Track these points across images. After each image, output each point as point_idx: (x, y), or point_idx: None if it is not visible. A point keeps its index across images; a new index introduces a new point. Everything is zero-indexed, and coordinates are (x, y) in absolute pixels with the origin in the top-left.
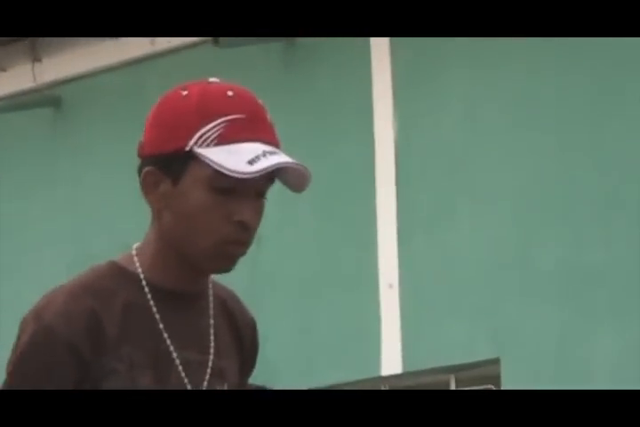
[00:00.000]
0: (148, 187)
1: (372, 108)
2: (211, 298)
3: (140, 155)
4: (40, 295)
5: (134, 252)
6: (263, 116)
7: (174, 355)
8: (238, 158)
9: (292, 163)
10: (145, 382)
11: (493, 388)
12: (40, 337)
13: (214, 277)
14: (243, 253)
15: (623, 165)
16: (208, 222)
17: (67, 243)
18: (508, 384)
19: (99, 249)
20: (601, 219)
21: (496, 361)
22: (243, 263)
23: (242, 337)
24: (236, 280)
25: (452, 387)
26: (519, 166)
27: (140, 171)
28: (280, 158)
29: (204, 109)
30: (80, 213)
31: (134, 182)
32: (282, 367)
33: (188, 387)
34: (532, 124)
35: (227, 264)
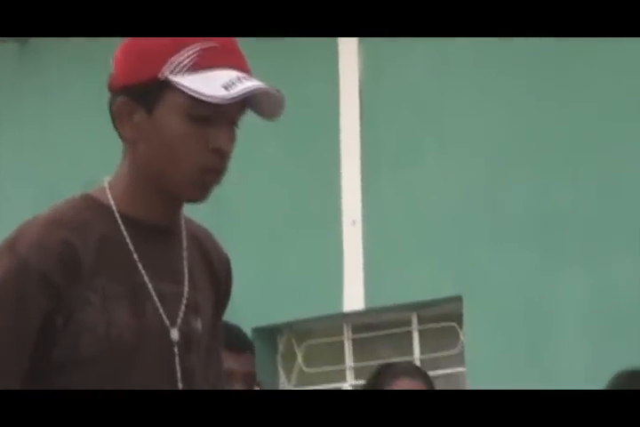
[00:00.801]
0: (122, 118)
1: (337, 47)
2: (184, 232)
3: (112, 87)
4: (6, 231)
5: (107, 185)
6: (236, 46)
7: (149, 286)
8: (214, 84)
9: (268, 87)
10: (120, 313)
11: (455, 326)
12: (14, 268)
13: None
14: (218, 182)
15: (591, 108)
16: (185, 151)
17: (33, 180)
18: (469, 323)
19: (65, 187)
20: (568, 162)
21: (458, 299)
22: (207, 202)
23: (217, 274)
24: (200, 219)
25: (415, 325)
26: (488, 109)
27: (111, 103)
28: (255, 83)
29: (177, 38)
30: (47, 151)
31: (101, 120)
32: (245, 304)
33: (164, 318)
34: (501, 68)
35: (202, 193)
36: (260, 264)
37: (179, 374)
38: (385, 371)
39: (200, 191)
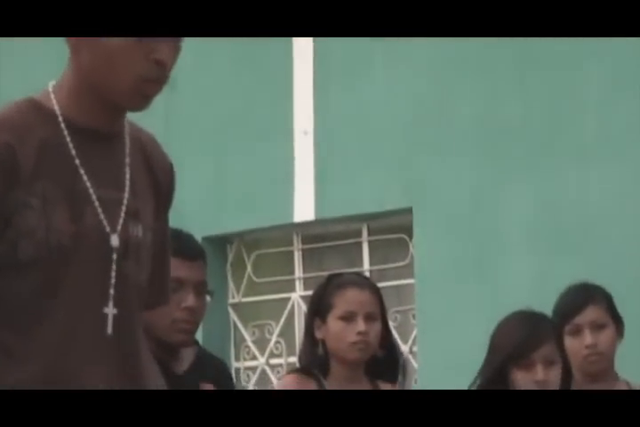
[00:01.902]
0: None
1: None
2: (127, 139)
3: None
4: None
5: (51, 89)
6: None
7: (90, 191)
8: None
9: None
10: (59, 217)
11: (405, 237)
12: None
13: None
14: (158, 92)
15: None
16: (127, 60)
17: None
18: (419, 235)
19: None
20: (516, 74)
21: (408, 211)
22: (157, 109)
23: (158, 180)
24: (150, 127)
25: (364, 236)
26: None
27: None
28: None
29: None
30: None
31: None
32: (195, 213)
33: (104, 225)
34: None
35: (142, 103)
36: (210, 174)
37: (113, 280)
38: (332, 281)
39: (140, 101)
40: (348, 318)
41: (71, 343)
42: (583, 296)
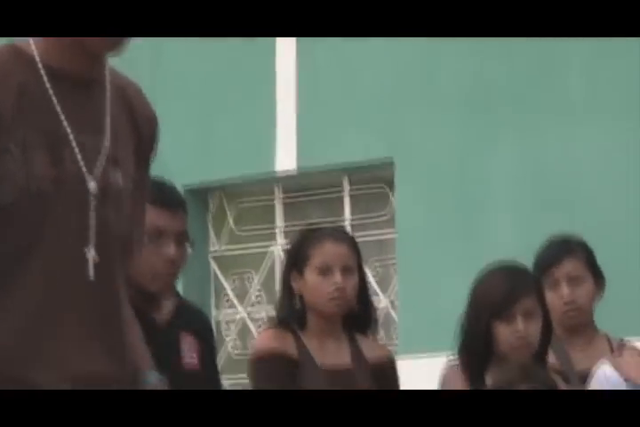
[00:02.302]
0: None
1: None
2: (108, 86)
3: None
4: None
5: None
6: None
7: (71, 137)
8: None
9: None
10: (38, 162)
11: (387, 190)
12: None
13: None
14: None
15: None
16: None
17: None
18: (400, 187)
19: None
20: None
21: (390, 163)
22: (145, 61)
23: (141, 129)
24: (137, 77)
25: (346, 188)
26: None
27: None
28: None
29: None
30: None
31: None
32: (177, 163)
33: (84, 170)
34: None
35: (118, 46)
36: (193, 124)
37: (92, 226)
38: (310, 234)
39: (116, 45)
40: (325, 270)
41: (52, 288)
42: (561, 249)
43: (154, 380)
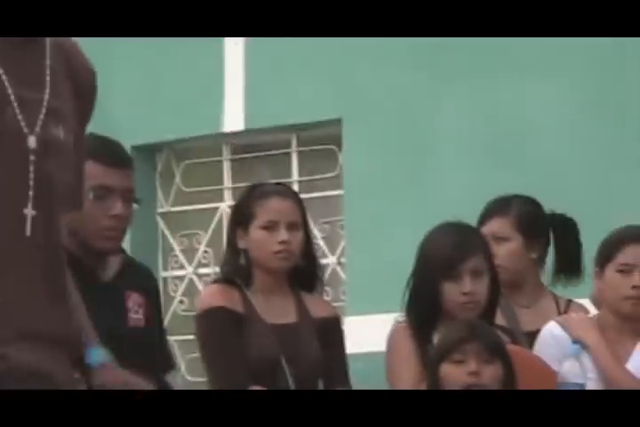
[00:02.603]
0: None
1: None
2: (47, 42)
3: None
4: None
5: None
6: None
7: (9, 91)
8: None
9: None
10: None
11: (335, 148)
12: None
13: None
14: None
15: None
16: None
17: None
18: (349, 146)
19: None
20: None
21: (338, 122)
22: None
23: (81, 85)
24: (82, 39)
25: (294, 146)
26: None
27: None
28: None
29: None
30: None
31: None
32: (124, 121)
33: (22, 125)
34: None
35: None
36: (140, 83)
37: (32, 182)
38: (254, 191)
39: None
40: (270, 227)
41: None
42: (491, 208)
43: (99, 358)
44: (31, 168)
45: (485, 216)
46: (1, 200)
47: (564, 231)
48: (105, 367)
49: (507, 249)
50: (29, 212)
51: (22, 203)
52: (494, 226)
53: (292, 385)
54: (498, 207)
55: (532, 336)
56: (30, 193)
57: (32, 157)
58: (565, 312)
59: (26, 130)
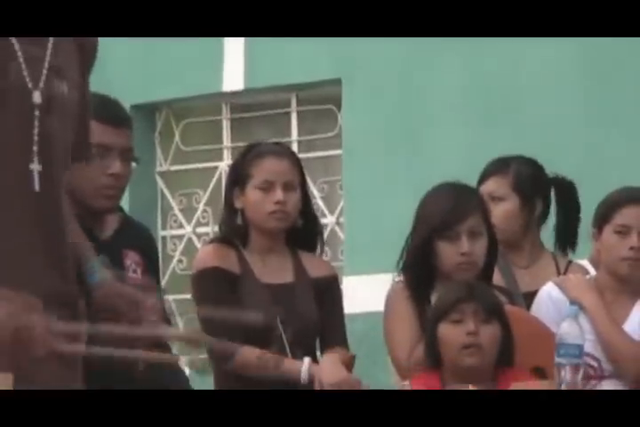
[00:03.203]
0: None
1: None
2: None
3: None
4: None
5: None
6: None
7: (16, 47)
8: None
9: None
10: None
11: (334, 108)
12: None
13: None
14: None
15: None
16: None
17: None
18: (348, 106)
19: None
20: None
21: (337, 82)
22: None
23: (83, 42)
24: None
25: (293, 106)
26: None
27: None
28: None
29: None
30: None
31: None
32: (124, 80)
33: (27, 81)
34: None
35: None
36: (140, 42)
37: (36, 137)
38: (251, 151)
39: None
40: (266, 187)
41: None
42: (489, 168)
43: (98, 276)
44: (36, 123)
45: (484, 176)
46: (6, 156)
47: (563, 193)
48: (103, 284)
49: (503, 209)
50: (35, 167)
51: (28, 158)
52: (491, 186)
53: (286, 346)
54: (496, 167)
55: (530, 297)
56: (35, 148)
57: (36, 113)
58: (565, 273)
59: (30, 85)
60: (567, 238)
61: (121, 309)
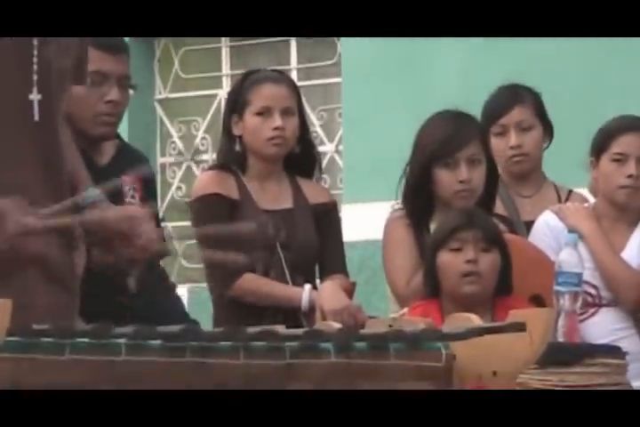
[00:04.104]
0: None
1: None
2: None
3: None
4: None
5: None
6: None
7: None
8: None
9: None
10: None
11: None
12: None
13: None
14: None
15: None
16: None
17: None
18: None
19: None
20: None
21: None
22: None
23: None
24: None
25: None
26: None
27: None
28: None
29: None
30: None
31: None
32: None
33: None
34: None
35: None
36: None
37: (35, 66)
38: (249, 77)
39: None
40: (265, 113)
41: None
42: (510, 97)
43: (91, 199)
44: (34, 52)
45: (503, 105)
46: (6, 86)
47: None
48: (96, 205)
49: (532, 138)
50: (35, 97)
51: (27, 88)
52: (517, 116)
53: (286, 271)
54: (515, 96)
55: (531, 226)
56: (34, 77)
57: (34, 41)
58: (566, 202)
59: None
60: None
61: (111, 226)
